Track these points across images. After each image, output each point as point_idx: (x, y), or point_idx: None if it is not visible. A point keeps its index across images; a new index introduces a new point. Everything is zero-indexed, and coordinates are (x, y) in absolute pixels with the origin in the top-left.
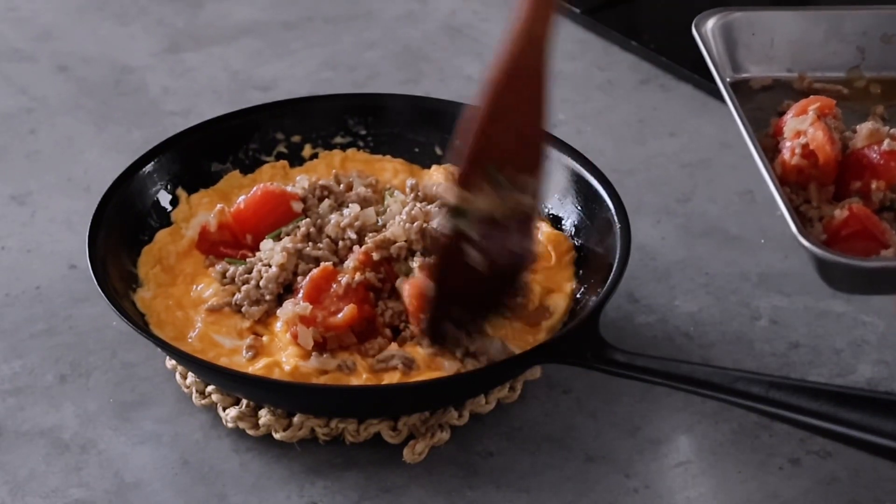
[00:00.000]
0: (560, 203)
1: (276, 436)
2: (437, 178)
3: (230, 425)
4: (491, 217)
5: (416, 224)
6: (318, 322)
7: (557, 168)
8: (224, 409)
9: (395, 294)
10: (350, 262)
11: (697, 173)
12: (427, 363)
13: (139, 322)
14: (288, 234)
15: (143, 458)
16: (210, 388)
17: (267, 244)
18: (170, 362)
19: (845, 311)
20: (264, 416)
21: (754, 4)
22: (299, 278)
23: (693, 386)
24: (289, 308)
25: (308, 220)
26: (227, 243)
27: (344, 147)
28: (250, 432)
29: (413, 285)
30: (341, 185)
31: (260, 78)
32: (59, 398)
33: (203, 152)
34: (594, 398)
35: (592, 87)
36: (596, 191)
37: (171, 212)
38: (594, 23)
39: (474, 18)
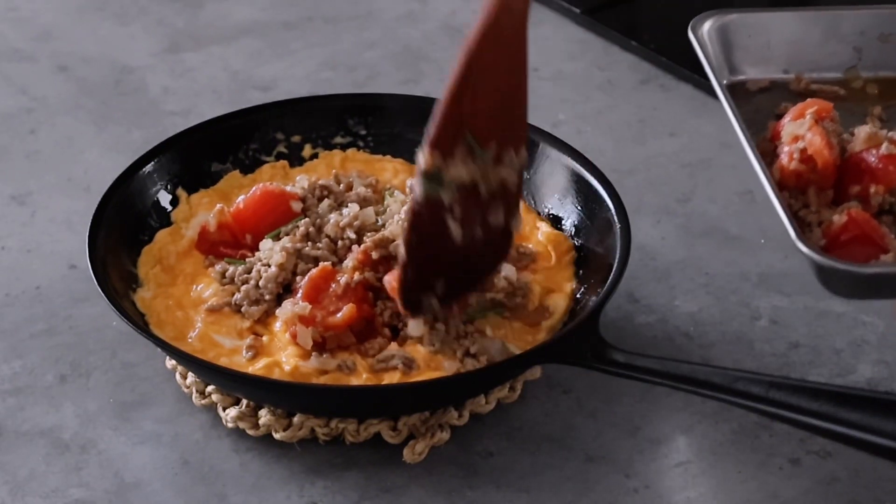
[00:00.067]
0: (560, 203)
1: (276, 436)
2: None
3: (230, 425)
4: (470, 188)
5: None
6: (317, 322)
7: (557, 168)
8: (224, 409)
9: None
10: (349, 262)
11: (697, 173)
12: (427, 363)
13: (139, 322)
14: (287, 234)
15: (143, 458)
16: (210, 388)
17: (266, 244)
18: (170, 362)
19: (845, 311)
20: (264, 416)
21: (754, 4)
22: (298, 278)
23: (693, 386)
24: (288, 308)
25: (307, 219)
26: (227, 243)
27: (344, 147)
28: (250, 432)
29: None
30: (341, 185)
31: (260, 78)
32: (59, 398)
33: (203, 152)
34: (594, 398)
35: (592, 87)
36: (596, 191)
37: (171, 212)
38: (594, 23)
39: (474, 18)
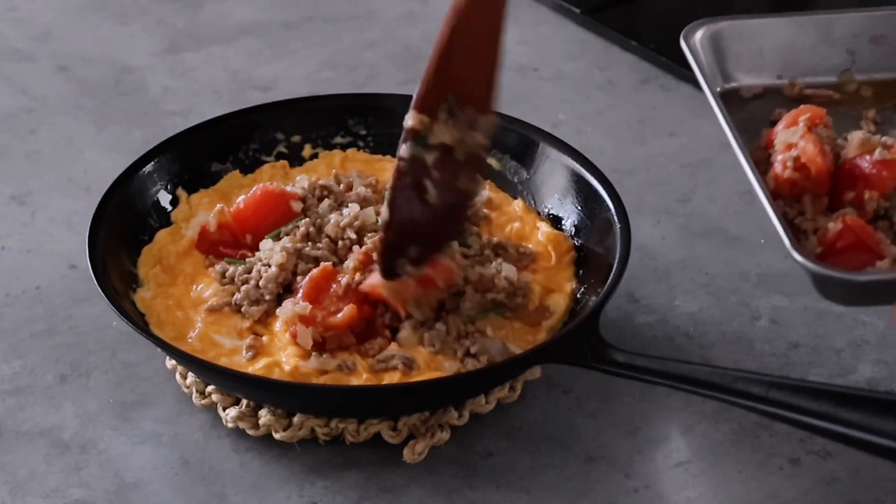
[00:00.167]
0: (560, 203)
1: (276, 436)
2: None
3: (230, 425)
4: (447, 152)
5: None
6: (317, 322)
7: (557, 168)
8: (224, 409)
9: None
10: (350, 262)
11: (697, 173)
12: (427, 363)
13: (139, 322)
14: (287, 234)
15: (143, 458)
16: (210, 388)
17: (266, 244)
18: (170, 362)
19: (845, 311)
20: (264, 416)
21: (754, 7)
22: (299, 278)
23: (693, 386)
24: (288, 308)
25: (308, 219)
26: (227, 243)
27: (344, 147)
28: (250, 432)
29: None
30: (341, 185)
31: (260, 78)
32: (59, 398)
33: (203, 152)
34: (594, 398)
35: (592, 87)
36: (596, 191)
37: (171, 212)
38: (594, 23)
39: None
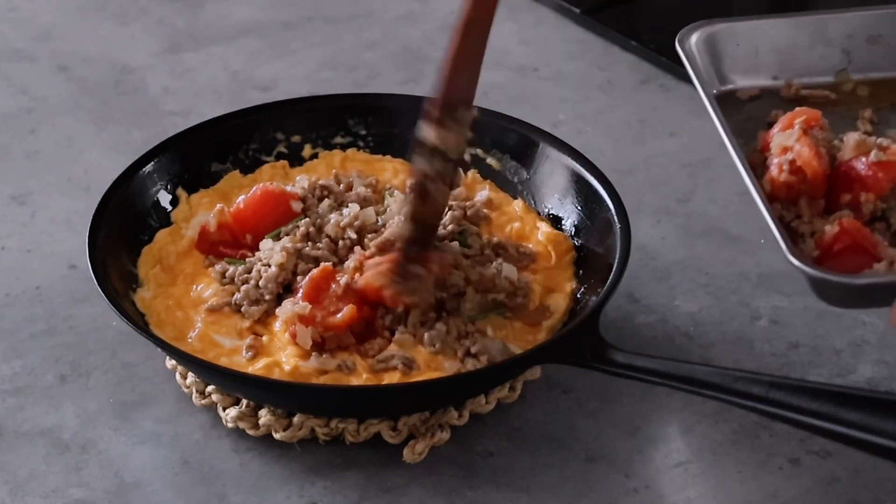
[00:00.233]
0: (560, 203)
1: (276, 436)
2: None
3: (230, 425)
4: (444, 153)
5: None
6: (316, 322)
7: (557, 168)
8: (224, 409)
9: None
10: (351, 263)
11: (697, 173)
12: (427, 363)
13: (139, 322)
14: (287, 234)
15: (143, 458)
16: (210, 388)
17: (266, 244)
18: (170, 362)
19: (846, 311)
20: (264, 416)
21: (754, 7)
22: (299, 278)
23: (693, 386)
24: (288, 307)
25: (308, 219)
26: (227, 243)
27: (344, 147)
28: (250, 432)
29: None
30: (341, 185)
31: (260, 78)
32: (59, 398)
33: (203, 152)
34: (594, 398)
35: (592, 87)
36: (596, 191)
37: (171, 212)
38: (594, 23)
39: None
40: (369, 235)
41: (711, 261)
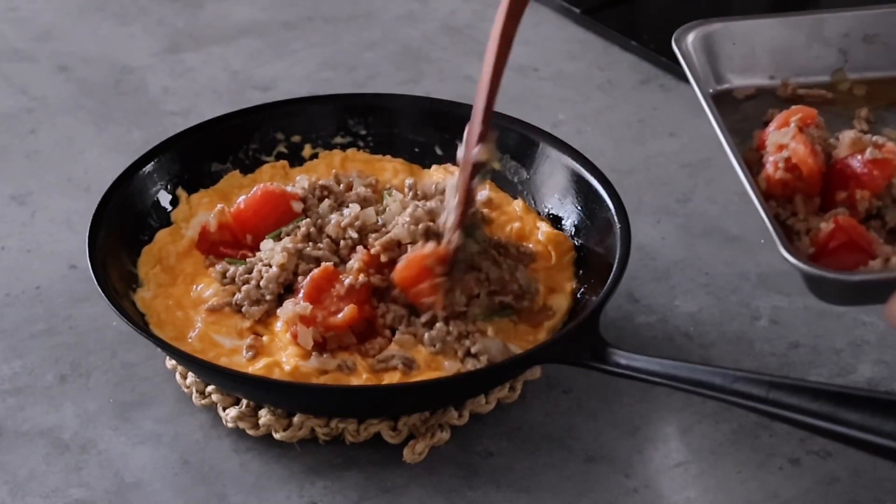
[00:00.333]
0: (560, 203)
1: (276, 436)
2: (437, 177)
3: (230, 425)
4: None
5: (420, 225)
6: (317, 322)
7: (557, 168)
8: (224, 409)
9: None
10: (354, 263)
11: (697, 173)
12: (427, 363)
13: (139, 322)
14: (288, 234)
15: (143, 458)
16: (210, 388)
17: (267, 244)
18: (170, 362)
19: (845, 311)
20: (264, 416)
21: (755, 7)
22: (300, 278)
23: (693, 386)
24: (289, 308)
25: (308, 220)
26: (227, 243)
27: (344, 147)
28: (250, 432)
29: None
30: (341, 185)
31: (260, 78)
32: (59, 398)
33: (203, 152)
34: (594, 398)
35: (592, 87)
36: (596, 191)
37: (171, 212)
38: (594, 23)
39: (474, 18)
40: (372, 235)
41: (711, 261)
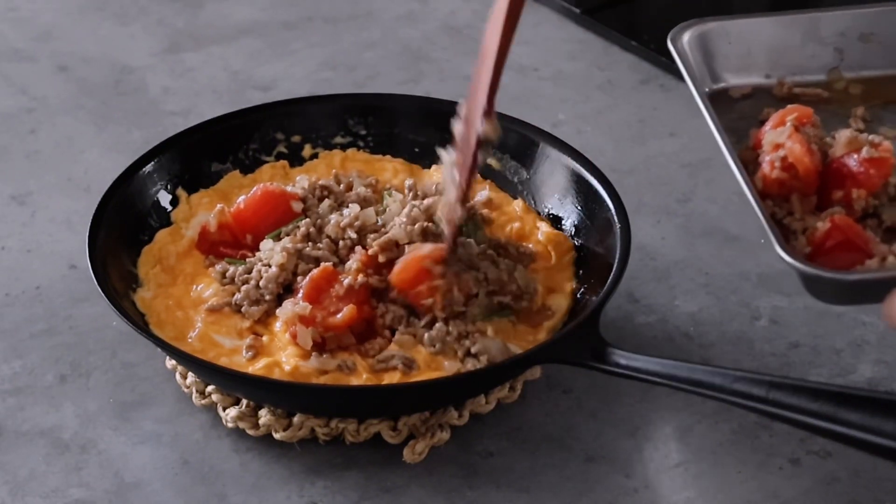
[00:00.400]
0: (560, 203)
1: (276, 436)
2: (438, 178)
3: (230, 425)
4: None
5: (417, 225)
6: (317, 322)
7: (557, 168)
8: (224, 409)
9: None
10: (352, 263)
11: (697, 173)
12: (427, 363)
13: (139, 322)
14: (288, 235)
15: (143, 458)
16: (210, 388)
17: (267, 244)
18: (170, 362)
19: (845, 310)
20: (264, 416)
21: (754, 6)
22: (299, 278)
23: (693, 386)
24: (288, 308)
25: (308, 220)
26: (227, 243)
27: (344, 147)
28: (250, 432)
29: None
30: (341, 185)
31: (260, 78)
32: (59, 398)
33: (203, 152)
34: (594, 398)
35: (592, 87)
36: (596, 191)
37: (171, 212)
38: (594, 23)
39: (474, 18)
40: (371, 236)
41: (711, 261)
